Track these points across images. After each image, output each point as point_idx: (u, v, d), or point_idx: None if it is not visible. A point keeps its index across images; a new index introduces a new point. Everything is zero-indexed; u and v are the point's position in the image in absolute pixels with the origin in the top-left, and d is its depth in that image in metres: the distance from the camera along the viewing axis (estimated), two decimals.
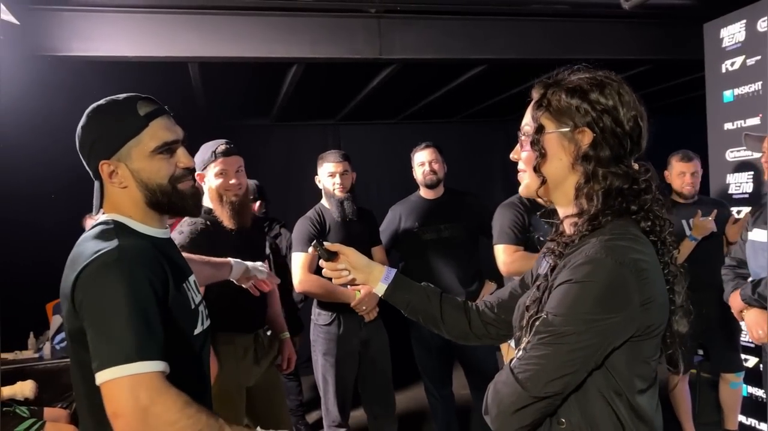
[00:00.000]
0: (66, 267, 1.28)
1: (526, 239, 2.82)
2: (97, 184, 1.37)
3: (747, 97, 3.53)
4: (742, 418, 3.55)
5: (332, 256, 1.49)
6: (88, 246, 1.25)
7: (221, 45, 3.39)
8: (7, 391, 2.97)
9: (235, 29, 3.40)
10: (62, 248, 4.34)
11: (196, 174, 1.48)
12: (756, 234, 2.58)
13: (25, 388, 3.00)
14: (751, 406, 3.51)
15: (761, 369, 3.21)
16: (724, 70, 3.68)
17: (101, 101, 1.36)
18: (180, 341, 1.30)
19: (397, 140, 6.19)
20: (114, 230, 1.29)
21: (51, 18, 3.15)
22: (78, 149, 1.36)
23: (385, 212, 3.51)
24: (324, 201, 3.09)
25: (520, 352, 1.05)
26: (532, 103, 1.18)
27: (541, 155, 1.13)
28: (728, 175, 3.68)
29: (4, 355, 3.92)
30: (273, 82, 4.41)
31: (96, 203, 1.37)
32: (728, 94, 3.66)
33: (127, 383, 1.12)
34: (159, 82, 3.59)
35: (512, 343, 1.32)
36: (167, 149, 1.33)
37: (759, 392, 3.48)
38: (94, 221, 1.39)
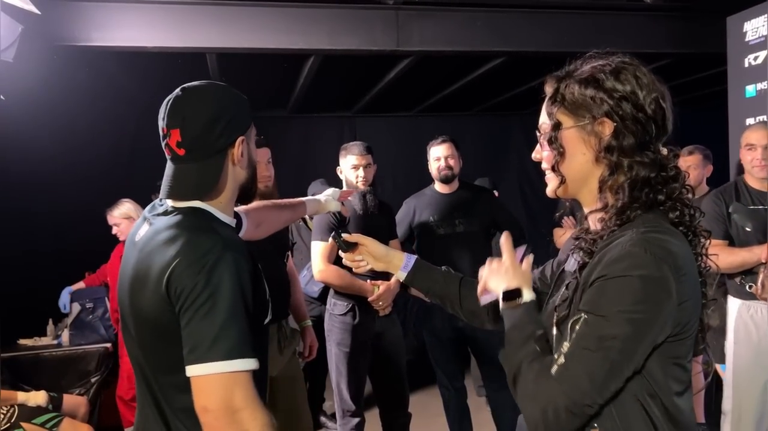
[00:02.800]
0: (141, 252, 1.23)
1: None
2: (202, 165, 1.25)
3: None
4: None
5: (351, 247, 1.51)
6: (183, 233, 1.19)
7: (239, 36, 3.39)
8: (21, 397, 3.02)
9: (254, 20, 3.41)
10: (81, 237, 4.39)
11: None
12: None
13: (38, 397, 3.05)
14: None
15: None
16: (746, 65, 3.61)
17: (205, 82, 1.29)
18: (257, 331, 1.27)
19: (413, 133, 6.20)
20: (206, 218, 1.26)
21: (71, 8, 3.18)
22: (202, 123, 1.23)
23: (400, 205, 3.51)
24: None
25: (561, 358, 0.98)
26: (546, 99, 1.13)
27: (560, 153, 1.09)
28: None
29: (24, 341, 3.99)
30: (290, 74, 4.42)
31: (200, 186, 1.26)
32: (751, 89, 3.60)
33: (225, 380, 1.11)
34: (177, 72, 3.61)
35: None
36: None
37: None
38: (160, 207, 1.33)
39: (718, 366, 3.32)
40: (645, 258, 0.94)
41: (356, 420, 3.03)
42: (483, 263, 3.64)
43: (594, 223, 1.12)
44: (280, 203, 1.99)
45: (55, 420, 2.96)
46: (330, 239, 1.53)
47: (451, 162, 3.26)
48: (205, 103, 1.25)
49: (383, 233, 3.09)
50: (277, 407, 2.56)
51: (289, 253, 2.82)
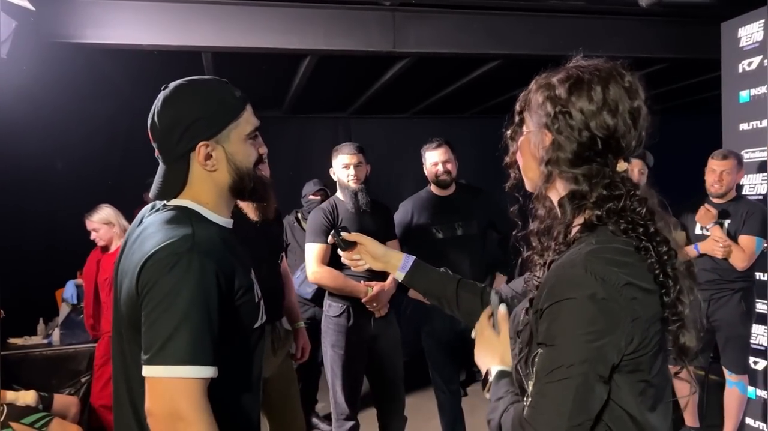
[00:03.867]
0: (129, 248, 1.24)
1: None
2: (170, 168, 1.28)
3: (763, 97, 3.48)
4: (750, 421, 3.52)
5: (350, 245, 1.52)
6: (161, 230, 1.19)
7: (235, 35, 3.38)
8: (10, 396, 2.99)
9: (250, 20, 3.40)
10: (72, 236, 4.35)
11: None
12: None
13: (27, 396, 3.02)
14: (764, 410, 3.48)
15: None
16: (741, 70, 3.64)
17: (185, 82, 1.28)
18: (241, 334, 1.26)
19: (408, 135, 6.18)
20: (188, 216, 1.24)
21: (66, 4, 3.16)
22: (161, 128, 1.25)
23: (395, 207, 3.50)
24: (338, 193, 3.10)
25: (529, 398, 0.96)
26: (520, 96, 1.13)
27: (514, 152, 1.12)
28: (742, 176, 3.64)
29: (14, 340, 3.96)
30: (286, 74, 4.41)
31: (165, 188, 1.29)
32: (744, 95, 3.62)
33: (171, 386, 1.09)
34: (172, 71, 3.58)
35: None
36: (255, 134, 1.32)
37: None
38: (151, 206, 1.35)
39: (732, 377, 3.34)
40: (585, 278, 0.92)
41: (350, 423, 3.02)
42: (481, 263, 3.58)
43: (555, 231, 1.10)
44: None
45: (45, 420, 2.93)
46: (329, 238, 1.53)
47: (449, 167, 3.23)
48: (168, 108, 1.25)
49: (378, 232, 3.05)
50: (271, 407, 2.56)
51: (283, 254, 2.81)
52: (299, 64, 4.06)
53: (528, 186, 1.13)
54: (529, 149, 1.08)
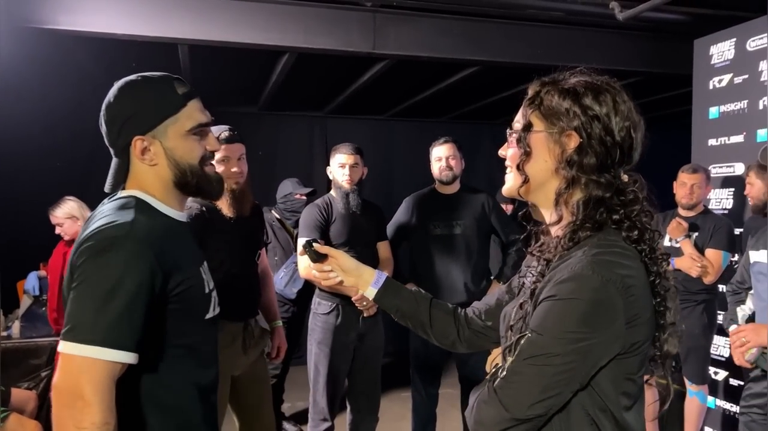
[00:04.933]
0: (78, 236, 1.28)
1: None
2: (117, 161, 1.34)
3: (732, 114, 3.58)
4: (709, 430, 3.60)
5: (321, 257, 1.47)
6: (105, 216, 1.23)
7: (214, 29, 3.34)
8: None
9: (229, 13, 3.36)
10: (33, 228, 4.23)
11: None
12: (757, 256, 2.51)
13: None
14: (723, 420, 3.56)
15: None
16: (711, 87, 3.72)
17: (132, 78, 1.34)
18: (191, 324, 1.30)
19: (384, 137, 6.20)
20: (135, 204, 1.28)
21: None
22: (105, 122, 1.32)
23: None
24: (333, 191, 3.10)
25: (504, 371, 1.01)
26: (525, 99, 1.15)
27: (526, 154, 1.10)
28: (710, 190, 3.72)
29: None
30: (263, 71, 4.36)
31: (113, 180, 1.35)
32: (714, 111, 3.71)
33: (77, 363, 1.11)
34: (146, 62, 3.52)
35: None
36: (200, 130, 1.35)
37: (728, 406, 3.53)
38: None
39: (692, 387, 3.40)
40: (592, 280, 0.96)
41: (327, 424, 3.01)
42: (478, 266, 3.60)
43: (554, 234, 1.12)
44: None
45: (1, 415, 2.84)
46: (300, 248, 1.51)
47: (452, 162, 3.26)
48: (111, 103, 1.32)
49: (369, 233, 3.11)
50: (240, 406, 2.53)
51: (262, 251, 2.77)
52: (278, 60, 4.02)
53: (522, 187, 1.13)
54: (545, 149, 1.09)
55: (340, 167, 3.03)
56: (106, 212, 1.25)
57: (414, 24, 3.66)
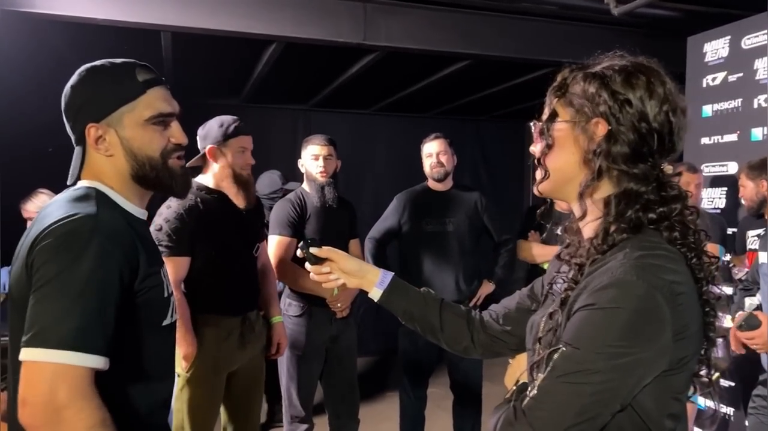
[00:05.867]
0: (30, 227, 1.16)
1: None
2: (78, 149, 1.25)
3: (726, 113, 3.55)
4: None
5: (320, 260, 1.35)
6: (62, 208, 1.13)
7: (198, 16, 3.20)
8: None
9: (215, 0, 3.22)
10: (7, 222, 4.04)
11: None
12: (764, 257, 2.45)
13: None
14: (713, 421, 3.54)
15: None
16: (704, 85, 3.69)
17: (96, 63, 1.26)
18: (148, 329, 1.19)
19: (369, 131, 6.10)
20: (95, 197, 1.18)
21: None
22: (63, 109, 1.25)
23: (354, 203, 3.41)
24: (305, 185, 2.98)
25: (534, 390, 0.90)
26: (551, 87, 1.05)
27: (548, 146, 1.01)
28: (702, 189, 3.70)
29: None
30: (248, 61, 4.23)
31: (74, 171, 1.26)
32: (707, 109, 3.68)
33: (50, 371, 0.99)
34: (127, 50, 3.37)
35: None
36: (162, 120, 1.24)
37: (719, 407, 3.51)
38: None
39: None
40: (637, 286, 0.85)
41: (305, 426, 2.91)
42: (469, 265, 3.52)
43: (587, 234, 1.02)
44: None
45: None
46: (299, 251, 1.39)
47: (443, 159, 3.19)
48: (70, 90, 1.24)
49: (343, 230, 3.01)
50: (229, 401, 2.46)
51: (262, 245, 2.67)
52: (263, 50, 3.90)
53: (552, 183, 1.03)
54: (571, 140, 0.99)
55: (314, 158, 2.90)
56: (62, 203, 1.15)
57: (405, 16, 3.56)
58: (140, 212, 1.29)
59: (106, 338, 1.05)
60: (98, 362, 1.03)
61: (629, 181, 0.96)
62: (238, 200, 2.39)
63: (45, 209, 1.18)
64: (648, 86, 0.96)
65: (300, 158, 3.00)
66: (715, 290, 0.97)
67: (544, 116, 1.05)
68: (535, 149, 1.07)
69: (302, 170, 2.99)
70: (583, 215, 1.00)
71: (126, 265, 1.11)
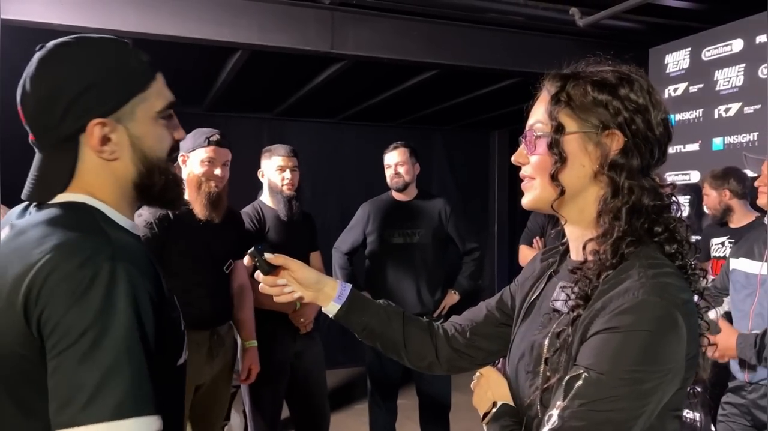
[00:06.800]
0: None
1: None
2: (49, 156, 0.94)
3: (687, 123, 3.63)
4: None
5: (273, 269, 1.20)
6: (54, 233, 0.84)
7: (161, 22, 3.11)
8: None
9: (178, 6, 3.13)
10: None
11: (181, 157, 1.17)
12: (736, 264, 2.47)
13: None
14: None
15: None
16: (666, 96, 3.77)
17: (72, 38, 0.94)
18: (162, 372, 0.89)
19: (335, 140, 6.06)
20: (91, 215, 0.91)
21: None
22: (37, 101, 0.91)
23: (320, 214, 3.36)
24: (264, 197, 2.89)
25: (555, 420, 0.85)
26: (549, 98, 0.97)
27: (561, 160, 0.93)
28: None
29: None
30: (211, 69, 4.14)
31: (45, 183, 0.95)
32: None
33: None
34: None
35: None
36: (169, 113, 0.99)
37: (690, 414, 3.56)
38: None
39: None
40: (659, 307, 0.83)
41: None
42: (435, 275, 3.47)
43: (591, 252, 0.96)
44: None
45: None
46: (247, 258, 1.26)
47: (401, 170, 3.15)
48: (48, 73, 0.91)
49: (303, 242, 2.93)
50: (195, 418, 2.39)
51: (239, 265, 2.53)
52: (228, 58, 3.81)
53: (558, 199, 0.97)
54: (582, 153, 0.94)
55: (279, 170, 2.81)
56: (48, 227, 0.86)
57: (373, 24, 3.54)
58: (132, 224, 1.01)
59: (153, 393, 0.82)
60: (157, 424, 0.81)
61: (642, 194, 0.92)
62: (200, 212, 2.32)
63: (17, 237, 0.88)
64: (649, 94, 0.94)
65: (260, 168, 2.91)
66: (704, 303, 0.95)
67: (542, 126, 0.97)
68: (522, 160, 1.01)
69: (263, 180, 2.90)
70: (604, 233, 0.93)
71: (154, 298, 0.87)
